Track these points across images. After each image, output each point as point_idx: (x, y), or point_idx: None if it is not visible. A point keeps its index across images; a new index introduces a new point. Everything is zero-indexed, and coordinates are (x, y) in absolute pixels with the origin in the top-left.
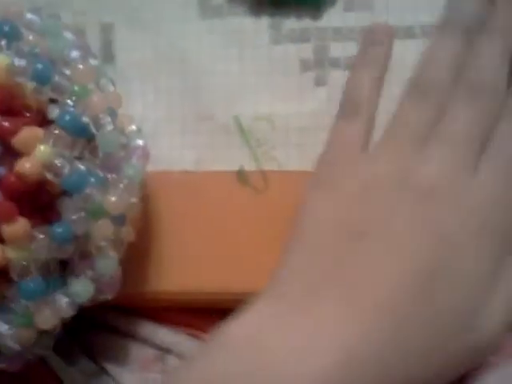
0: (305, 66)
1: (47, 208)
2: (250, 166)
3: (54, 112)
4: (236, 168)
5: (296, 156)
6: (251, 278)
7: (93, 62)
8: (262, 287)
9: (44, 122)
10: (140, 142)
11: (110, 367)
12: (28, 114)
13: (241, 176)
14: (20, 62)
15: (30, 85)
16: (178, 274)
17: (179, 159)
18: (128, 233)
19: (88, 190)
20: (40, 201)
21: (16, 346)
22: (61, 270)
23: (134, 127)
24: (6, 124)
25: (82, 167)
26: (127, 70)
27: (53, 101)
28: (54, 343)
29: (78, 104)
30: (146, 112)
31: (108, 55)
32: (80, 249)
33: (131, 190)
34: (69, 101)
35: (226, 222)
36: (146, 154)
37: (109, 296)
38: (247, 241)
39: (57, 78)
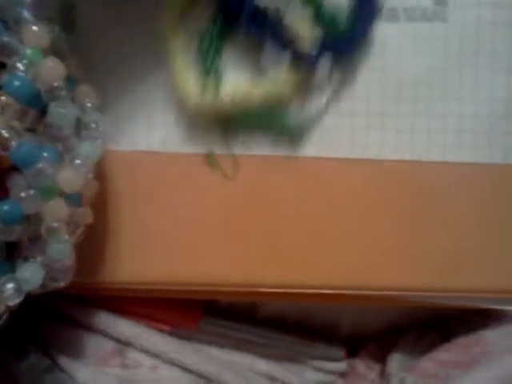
0: None
1: None
2: (219, 149)
3: (3, 77)
4: (204, 151)
5: (267, 139)
6: (216, 269)
7: (50, 24)
8: (228, 278)
9: None
10: (99, 118)
11: (65, 361)
12: None
13: (209, 159)
14: None
15: None
16: (137, 262)
17: (144, 138)
18: (84, 214)
19: (40, 165)
20: None
21: None
22: (8, 253)
23: (93, 101)
24: None
25: (33, 140)
26: (89, 39)
27: (2, 65)
28: (0, 335)
29: (30, 69)
30: (108, 85)
31: (69, 22)
32: (30, 230)
33: (88, 168)
34: (19, 65)
35: (192, 209)
36: (105, 131)
37: (61, 284)
38: (214, 229)
39: (6, 38)
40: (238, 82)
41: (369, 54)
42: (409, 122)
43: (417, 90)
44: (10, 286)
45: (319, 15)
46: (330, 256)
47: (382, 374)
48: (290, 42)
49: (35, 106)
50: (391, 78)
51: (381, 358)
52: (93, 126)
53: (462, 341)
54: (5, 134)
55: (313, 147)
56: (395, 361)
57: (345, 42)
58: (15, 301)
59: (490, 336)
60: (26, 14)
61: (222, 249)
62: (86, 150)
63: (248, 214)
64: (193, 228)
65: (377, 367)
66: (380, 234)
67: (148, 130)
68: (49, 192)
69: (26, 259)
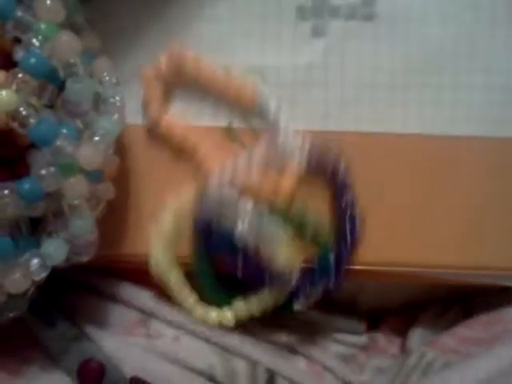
0: (301, 13)
1: (16, 162)
2: (238, 122)
3: (19, 53)
4: (224, 123)
5: (288, 113)
6: None
7: None
8: None
9: (9, 64)
10: (118, 93)
11: (91, 330)
12: None
13: (229, 132)
14: None
15: None
16: None
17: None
18: (106, 190)
19: (58, 143)
20: (6, 154)
21: None
22: (32, 228)
23: (111, 77)
24: None
25: (52, 117)
26: (106, 8)
27: (19, 40)
28: (30, 305)
29: (45, 45)
30: (125, 57)
31: None
32: (53, 207)
33: (107, 144)
34: (34, 40)
35: None
36: (124, 105)
37: (84, 258)
38: None
39: (19, 13)
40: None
41: (392, 22)
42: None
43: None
44: (36, 261)
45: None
46: None
47: (403, 348)
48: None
49: (52, 82)
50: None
51: (402, 332)
52: (111, 100)
53: (483, 318)
54: (23, 111)
55: (334, 120)
56: (416, 335)
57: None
58: (41, 275)
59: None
60: None
61: None
62: (105, 126)
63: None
64: None
65: (397, 341)
66: (400, 209)
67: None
68: (68, 169)
69: (50, 235)
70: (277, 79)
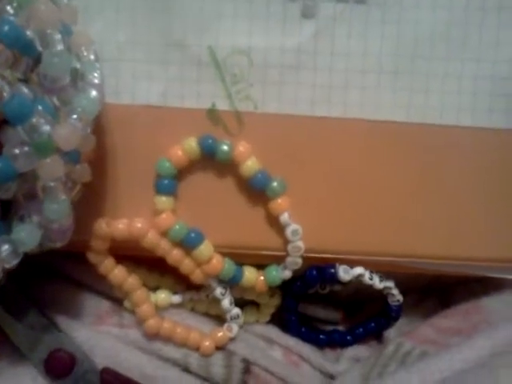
0: None
1: None
2: (222, 105)
3: None
4: (207, 106)
5: (275, 97)
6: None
7: None
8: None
9: None
10: (97, 70)
11: (62, 320)
12: None
13: (212, 114)
14: None
15: None
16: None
17: (143, 91)
18: (82, 172)
19: (34, 120)
20: None
21: None
22: (3, 213)
23: (89, 53)
24: None
25: (26, 92)
26: None
27: None
28: None
29: (21, 13)
30: (105, 33)
31: None
32: (25, 189)
33: (85, 123)
34: (8, 8)
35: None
36: (103, 83)
37: (58, 244)
38: (213, 187)
39: None
40: None
41: (383, 6)
42: (423, 82)
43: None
44: (6, 247)
45: None
46: (329, 220)
47: (380, 338)
48: None
49: (27, 53)
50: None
51: None
52: (90, 77)
53: (461, 308)
54: None
55: (322, 106)
56: (392, 325)
57: None
58: (12, 262)
59: (490, 304)
60: None
61: (222, 210)
62: (83, 104)
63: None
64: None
65: None
66: (385, 198)
67: (148, 83)
68: (44, 149)
69: (21, 219)
70: (263, 61)
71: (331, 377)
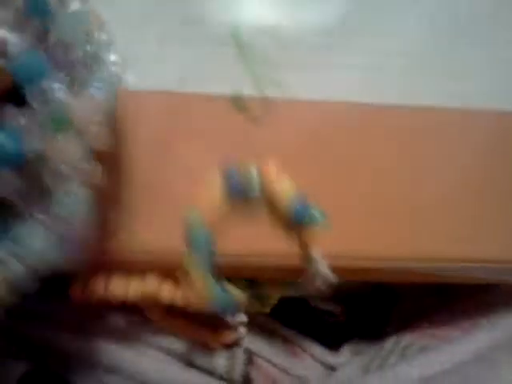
0: None
1: None
2: (247, 90)
3: None
4: (230, 91)
5: (305, 80)
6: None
7: None
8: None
9: None
10: (111, 51)
11: None
12: None
13: (236, 101)
14: None
15: None
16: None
17: (159, 75)
18: (93, 170)
19: (46, 83)
20: None
21: None
22: None
23: (102, 34)
24: None
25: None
26: None
27: None
28: None
29: None
30: (116, 11)
31: None
32: (28, 180)
33: (106, 98)
34: None
35: (215, 157)
36: (119, 63)
37: (71, 259)
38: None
39: None
40: None
41: None
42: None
43: None
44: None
45: None
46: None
47: (380, 332)
48: None
49: (39, 13)
50: None
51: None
52: (104, 57)
53: (461, 303)
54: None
55: (356, 91)
56: (392, 320)
57: None
58: (22, 279)
59: (490, 300)
60: None
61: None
62: (103, 76)
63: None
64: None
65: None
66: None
67: (163, 66)
68: (58, 122)
69: (22, 219)
70: (292, 41)
71: (332, 368)
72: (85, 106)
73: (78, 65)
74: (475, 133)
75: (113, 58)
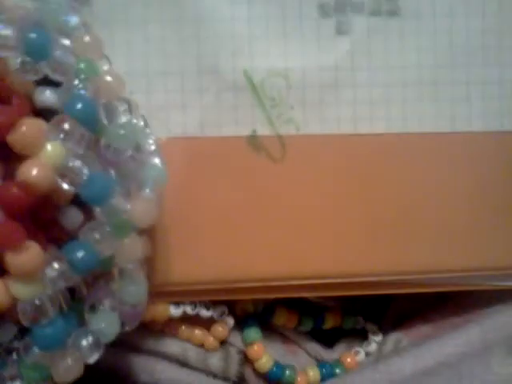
0: (324, 10)
1: (48, 223)
2: (263, 130)
3: (42, 96)
4: (247, 132)
5: (316, 117)
6: (272, 263)
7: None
8: (284, 272)
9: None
10: (150, 136)
11: None
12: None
13: (253, 141)
14: (6, 31)
15: (14, 61)
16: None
17: (179, 122)
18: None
19: (114, 200)
20: (43, 216)
21: None
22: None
23: (139, 119)
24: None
25: (102, 172)
26: (108, 14)
27: (38, 83)
28: None
29: (88, 85)
30: (135, 65)
31: None
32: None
33: (158, 195)
34: (76, 81)
35: (236, 196)
36: (159, 150)
37: (130, 327)
38: (262, 217)
39: (58, 52)
40: None
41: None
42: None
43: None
44: (86, 340)
45: None
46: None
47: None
48: None
49: (93, 127)
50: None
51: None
52: (146, 146)
53: (456, 302)
54: (72, 166)
55: (364, 123)
56: (389, 319)
57: None
58: (93, 357)
59: (486, 299)
60: (73, 20)
61: (275, 239)
62: (153, 175)
63: (298, 199)
64: (238, 217)
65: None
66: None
67: (182, 113)
68: (123, 229)
69: (93, 307)
70: (302, 81)
71: None
72: (143, 207)
73: (126, 160)
74: (474, 154)
75: (152, 142)
